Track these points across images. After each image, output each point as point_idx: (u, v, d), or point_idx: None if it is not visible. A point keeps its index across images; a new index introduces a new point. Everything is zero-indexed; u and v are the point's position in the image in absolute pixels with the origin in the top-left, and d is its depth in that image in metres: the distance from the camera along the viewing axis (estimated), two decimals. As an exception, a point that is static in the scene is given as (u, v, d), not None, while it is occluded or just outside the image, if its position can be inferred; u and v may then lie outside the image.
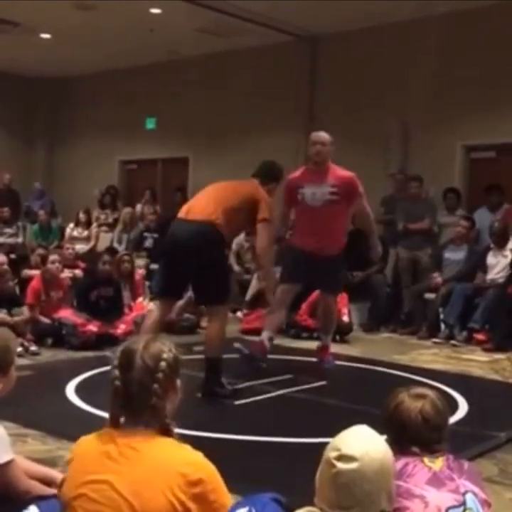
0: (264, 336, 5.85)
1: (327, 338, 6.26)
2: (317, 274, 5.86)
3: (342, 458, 1.86)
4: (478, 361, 6.94)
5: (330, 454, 1.90)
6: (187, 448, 1.94)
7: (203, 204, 5.09)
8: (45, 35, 11.61)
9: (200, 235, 4.92)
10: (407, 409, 2.24)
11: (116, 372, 1.97)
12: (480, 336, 7.77)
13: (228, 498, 1.97)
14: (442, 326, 8.10)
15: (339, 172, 5.82)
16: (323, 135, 5.84)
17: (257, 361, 5.69)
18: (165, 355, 1.99)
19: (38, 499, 2.42)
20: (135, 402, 1.94)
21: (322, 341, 6.27)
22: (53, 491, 2.46)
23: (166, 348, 2.02)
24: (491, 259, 8.14)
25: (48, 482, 2.62)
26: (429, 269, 8.62)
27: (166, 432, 1.97)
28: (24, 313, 6.91)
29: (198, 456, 1.93)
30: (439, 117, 9.70)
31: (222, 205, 5.02)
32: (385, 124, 10.04)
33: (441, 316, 8.14)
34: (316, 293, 7.98)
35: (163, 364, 1.96)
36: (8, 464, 2.46)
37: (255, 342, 5.94)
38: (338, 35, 10.62)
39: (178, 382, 2.04)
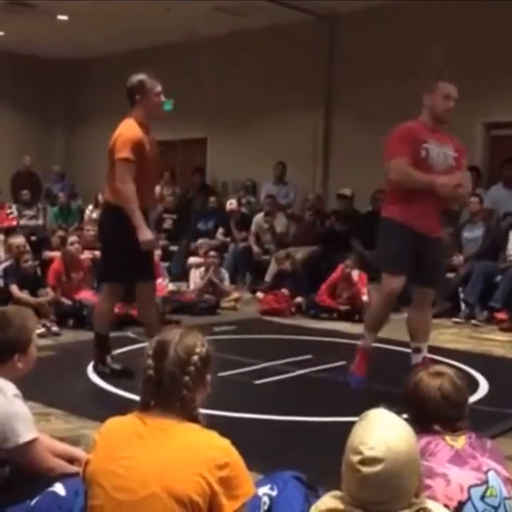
0: (365, 341, 4.94)
1: (425, 344, 4.76)
2: (424, 261, 4.56)
3: (365, 462, 1.73)
4: (498, 341, 6.89)
5: (352, 457, 1.75)
6: (215, 434, 1.96)
7: None
8: (62, 17, 11.56)
9: None
10: (427, 387, 2.25)
11: (150, 361, 1.98)
12: (500, 315, 7.71)
13: (250, 489, 1.96)
14: (462, 305, 8.06)
15: (455, 138, 4.79)
16: (455, 90, 4.70)
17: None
18: (198, 350, 2.00)
19: (63, 477, 2.44)
20: (166, 393, 1.96)
21: (420, 353, 4.72)
22: (77, 468, 2.49)
23: (200, 342, 2.03)
24: (513, 235, 8.03)
25: (71, 460, 2.64)
26: (449, 249, 8.55)
27: (195, 421, 1.99)
28: (48, 294, 6.97)
29: (226, 442, 1.95)
30: (458, 95, 9.55)
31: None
32: (404, 103, 9.93)
33: (461, 296, 8.09)
34: (336, 273, 7.94)
35: (195, 358, 1.98)
36: (32, 442, 2.48)
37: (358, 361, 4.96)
38: (356, 14, 10.49)
39: (208, 377, 2.05)
